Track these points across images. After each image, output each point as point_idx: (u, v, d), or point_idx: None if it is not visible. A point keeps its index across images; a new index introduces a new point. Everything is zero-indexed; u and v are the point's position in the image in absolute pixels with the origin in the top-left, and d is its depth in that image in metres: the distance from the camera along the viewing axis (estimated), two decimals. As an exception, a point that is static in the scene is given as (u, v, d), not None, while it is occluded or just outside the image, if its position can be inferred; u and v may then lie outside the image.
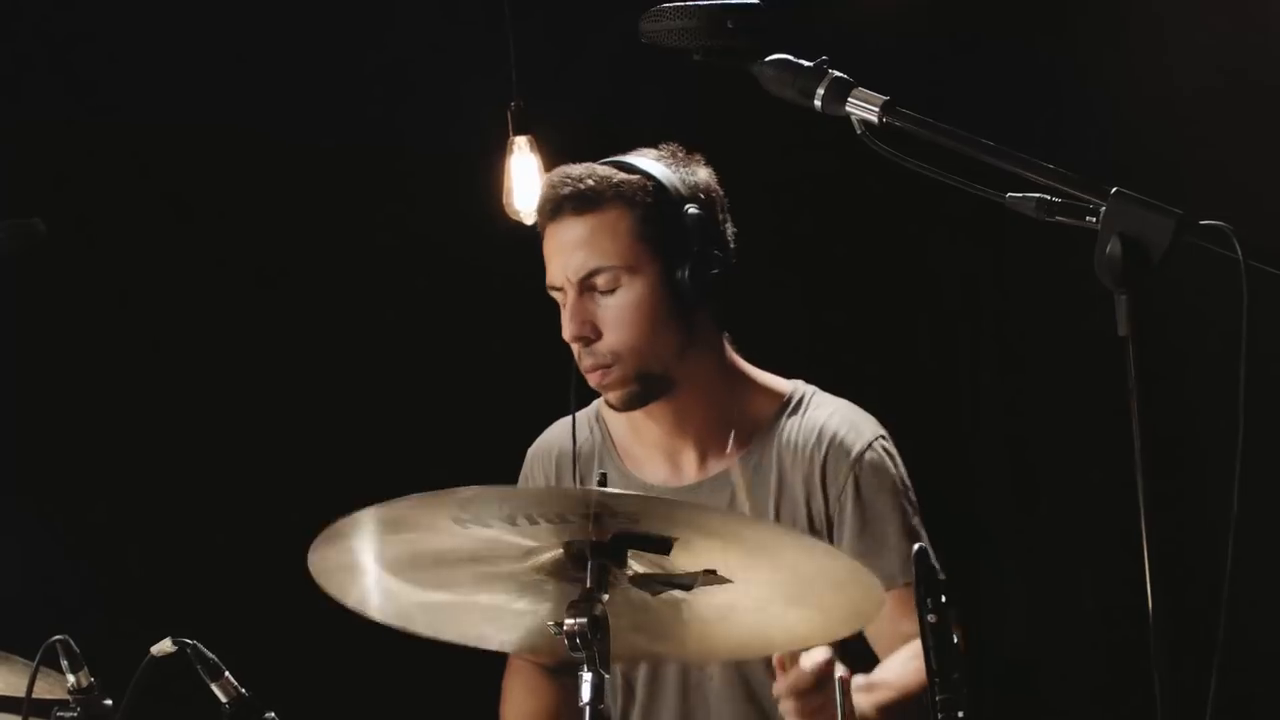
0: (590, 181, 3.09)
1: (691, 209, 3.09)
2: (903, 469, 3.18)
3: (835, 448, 3.15)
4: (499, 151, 3.74)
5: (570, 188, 3.09)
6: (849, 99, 2.35)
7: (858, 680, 2.87)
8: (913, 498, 3.17)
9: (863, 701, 2.87)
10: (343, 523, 2.37)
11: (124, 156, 4.20)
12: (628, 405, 3.15)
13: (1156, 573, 2.11)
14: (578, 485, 3.25)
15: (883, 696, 2.94)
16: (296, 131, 4.29)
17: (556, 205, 3.10)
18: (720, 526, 2.49)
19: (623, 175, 3.10)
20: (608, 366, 3.10)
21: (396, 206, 4.31)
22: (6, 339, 4.12)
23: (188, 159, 4.24)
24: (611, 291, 3.09)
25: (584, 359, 3.11)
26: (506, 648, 2.91)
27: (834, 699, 2.69)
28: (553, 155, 3.66)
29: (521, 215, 3.74)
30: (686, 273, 3.08)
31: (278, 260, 4.29)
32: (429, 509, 2.37)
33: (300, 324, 4.29)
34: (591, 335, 3.09)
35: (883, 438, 3.19)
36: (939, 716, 2.18)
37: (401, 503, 2.34)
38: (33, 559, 4.03)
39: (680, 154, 3.16)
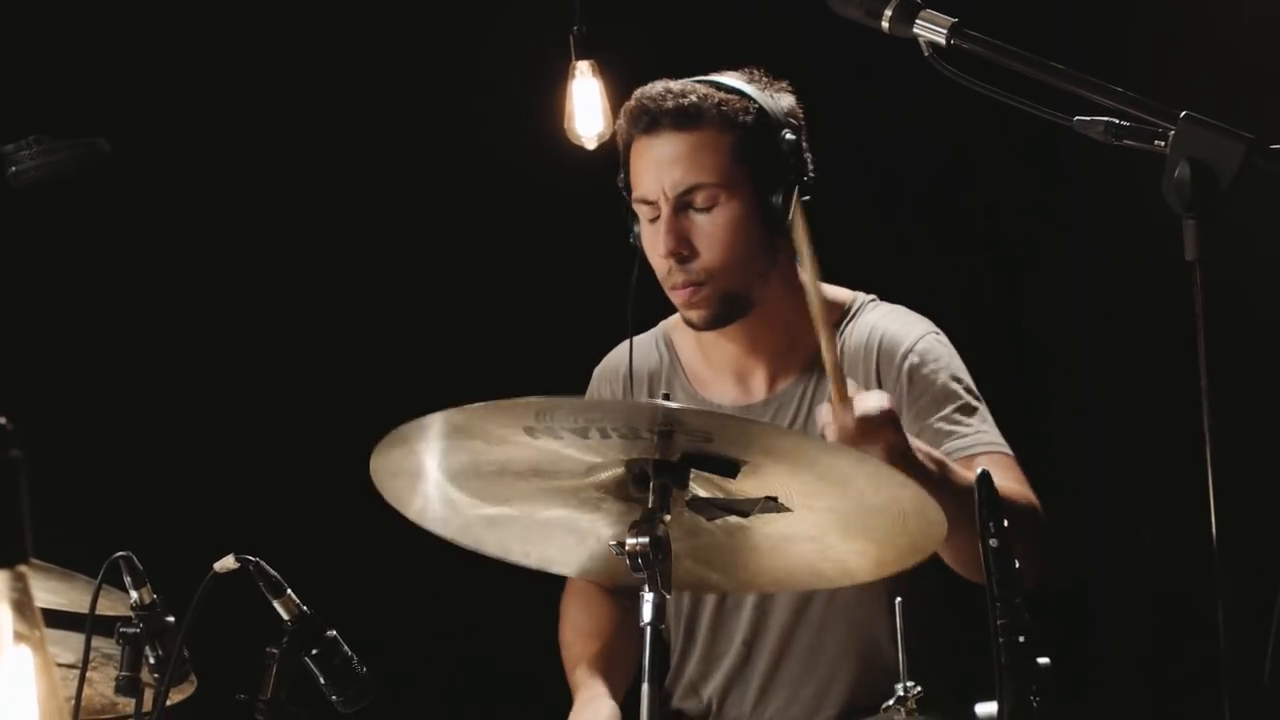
0: (693, 98, 3.06)
1: (788, 134, 3.09)
2: (957, 359, 3.15)
3: (886, 346, 3.14)
4: (560, 76, 3.72)
5: (673, 101, 3.06)
6: (917, 20, 2.34)
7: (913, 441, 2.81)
8: (971, 385, 3.13)
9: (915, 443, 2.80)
10: (411, 425, 2.36)
11: (183, 80, 4.20)
12: (709, 325, 3.13)
13: (1221, 508, 2.10)
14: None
15: (934, 453, 2.85)
16: (352, 55, 4.28)
17: (654, 119, 3.07)
18: (793, 450, 2.47)
19: (723, 94, 3.08)
20: (699, 284, 3.09)
21: (457, 131, 4.31)
22: (69, 255, 4.13)
23: (258, 83, 4.24)
24: (708, 210, 3.07)
25: (675, 275, 3.09)
26: (569, 572, 2.92)
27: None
28: (614, 81, 3.64)
29: (583, 140, 3.72)
30: (780, 198, 3.08)
31: (336, 179, 4.29)
32: (500, 417, 2.35)
33: (361, 237, 4.29)
34: (686, 251, 3.08)
35: (934, 333, 3.18)
36: (1000, 640, 2.17)
37: (474, 409, 2.33)
38: (95, 476, 4.05)
39: (766, 78, 3.15)
